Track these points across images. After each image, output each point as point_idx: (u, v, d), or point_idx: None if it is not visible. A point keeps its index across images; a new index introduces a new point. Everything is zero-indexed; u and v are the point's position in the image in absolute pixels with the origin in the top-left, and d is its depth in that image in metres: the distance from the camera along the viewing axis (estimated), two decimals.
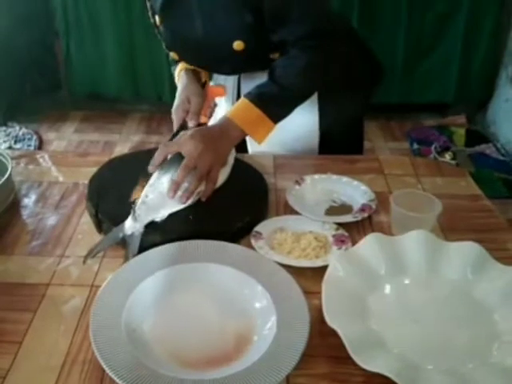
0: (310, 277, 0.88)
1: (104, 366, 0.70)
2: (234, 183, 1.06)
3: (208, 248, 0.91)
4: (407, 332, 0.79)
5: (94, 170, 1.13)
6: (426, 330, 0.80)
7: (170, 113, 1.25)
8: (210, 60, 1.23)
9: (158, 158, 1.01)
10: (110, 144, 3.20)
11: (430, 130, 3.25)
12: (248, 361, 0.72)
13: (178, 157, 1.00)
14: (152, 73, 3.33)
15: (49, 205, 1.09)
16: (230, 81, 1.35)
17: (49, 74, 3.46)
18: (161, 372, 0.70)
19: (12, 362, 0.74)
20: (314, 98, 1.25)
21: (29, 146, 3.11)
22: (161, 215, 0.95)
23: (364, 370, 0.70)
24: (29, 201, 1.11)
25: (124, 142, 3.24)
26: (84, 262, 0.91)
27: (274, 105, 1.08)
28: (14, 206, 1.09)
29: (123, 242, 0.93)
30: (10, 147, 3.05)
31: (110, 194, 1.05)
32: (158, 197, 0.97)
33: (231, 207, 1.02)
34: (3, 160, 1.11)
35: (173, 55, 1.25)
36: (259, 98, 1.07)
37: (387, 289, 0.86)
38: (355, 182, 1.13)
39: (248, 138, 1.26)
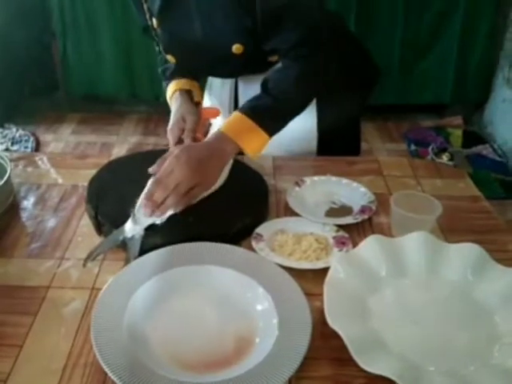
0: (311, 279, 0.88)
1: (105, 369, 0.70)
2: (234, 185, 1.06)
3: (209, 250, 0.91)
4: (408, 333, 0.79)
5: (93, 172, 1.13)
6: (426, 331, 0.80)
7: (167, 114, 1.25)
8: (208, 63, 1.23)
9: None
10: (108, 145, 3.20)
11: (427, 131, 3.26)
12: (250, 363, 0.72)
13: None
14: (149, 73, 3.32)
15: (48, 207, 1.09)
16: (226, 84, 1.35)
17: (46, 75, 3.45)
18: (162, 375, 0.70)
19: (13, 366, 0.74)
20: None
21: (26, 147, 3.10)
22: (160, 218, 0.94)
23: (366, 371, 0.70)
24: (28, 203, 1.10)
25: (121, 143, 3.23)
26: (84, 265, 0.91)
27: (268, 117, 1.06)
28: (13, 208, 1.08)
29: (123, 245, 0.93)
30: (6, 149, 3.04)
31: (110, 195, 1.05)
32: None
33: (232, 209, 1.01)
34: (2, 162, 1.11)
35: (170, 58, 1.24)
36: (252, 110, 1.05)
37: (388, 290, 0.86)
38: (355, 184, 1.13)
39: None
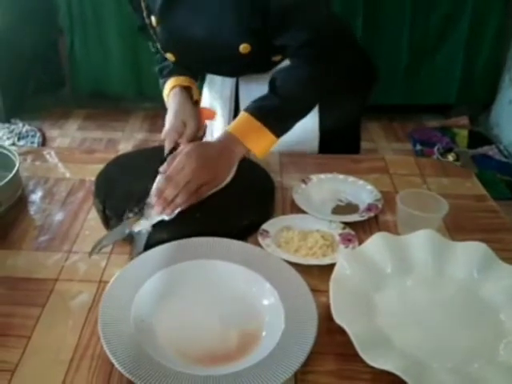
0: (317, 275, 0.88)
1: (113, 361, 0.70)
2: (241, 182, 1.06)
3: (215, 245, 0.91)
4: (413, 330, 0.79)
5: (101, 166, 1.14)
6: (431, 328, 0.80)
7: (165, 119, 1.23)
8: (211, 61, 1.22)
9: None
10: (113, 142, 3.21)
11: (432, 131, 3.26)
12: (256, 358, 0.73)
13: None
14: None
15: (56, 201, 1.10)
16: (227, 82, 1.34)
17: (52, 71, 3.46)
18: (168, 367, 0.70)
19: (20, 357, 0.75)
20: None
21: (32, 142, 3.11)
22: (170, 215, 0.95)
23: (371, 367, 0.70)
24: (36, 197, 1.11)
25: (127, 139, 3.24)
26: (90, 255, 0.91)
27: (276, 118, 1.05)
28: (22, 201, 1.09)
29: (131, 239, 0.94)
30: (13, 144, 3.05)
31: (117, 190, 1.05)
32: None
33: (238, 205, 1.02)
34: (11, 156, 1.11)
35: (169, 56, 1.22)
36: (260, 111, 1.04)
37: (393, 287, 0.86)
38: (361, 182, 1.13)
39: None
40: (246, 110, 1.05)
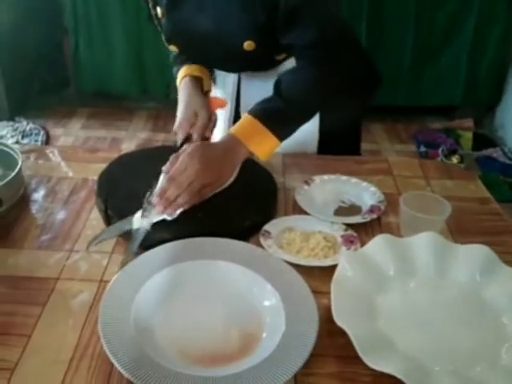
0: (319, 276, 0.88)
1: (113, 361, 0.70)
2: (243, 182, 1.06)
3: (217, 246, 0.91)
4: (415, 333, 0.79)
5: (104, 166, 1.14)
6: (433, 331, 0.80)
7: (176, 110, 1.25)
8: (215, 57, 1.21)
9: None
10: (117, 141, 3.21)
11: (436, 133, 3.25)
12: (256, 359, 0.72)
13: None
14: (160, 70, 3.34)
15: (58, 200, 1.10)
16: (229, 78, 1.33)
17: (57, 71, 3.47)
18: (168, 368, 0.70)
19: (20, 356, 0.75)
20: None
21: (36, 141, 3.12)
22: (171, 215, 0.95)
23: (372, 369, 0.70)
24: (38, 195, 1.11)
25: (130, 139, 3.24)
26: (87, 248, 0.92)
27: (280, 121, 1.04)
28: (24, 200, 1.09)
29: (131, 237, 0.93)
30: (17, 142, 3.06)
31: (120, 189, 1.05)
32: None
33: (240, 206, 1.02)
34: (13, 154, 1.11)
35: (172, 48, 1.22)
36: (264, 114, 1.03)
37: (395, 290, 0.86)
38: (364, 183, 1.13)
39: None
40: (250, 112, 1.04)
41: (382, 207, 1.06)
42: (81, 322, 0.80)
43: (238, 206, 1.02)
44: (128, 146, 3.11)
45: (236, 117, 1.35)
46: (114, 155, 1.20)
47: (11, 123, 3.25)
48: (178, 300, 0.84)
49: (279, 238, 0.97)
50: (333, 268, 0.85)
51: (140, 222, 0.93)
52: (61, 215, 1.05)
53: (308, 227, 1.00)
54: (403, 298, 0.85)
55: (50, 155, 1.26)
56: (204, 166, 0.95)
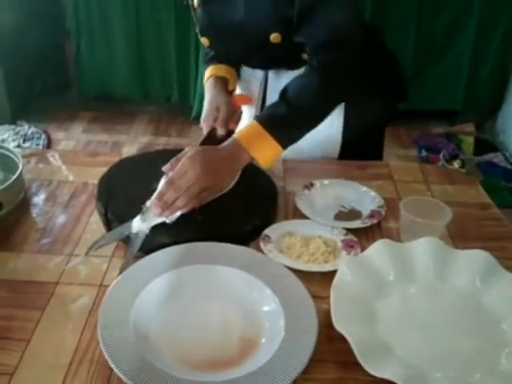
0: (319, 281, 0.88)
1: (112, 365, 0.70)
2: (244, 186, 1.06)
3: (217, 250, 0.91)
4: (415, 339, 0.79)
5: (104, 169, 1.14)
6: (433, 337, 0.79)
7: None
8: (243, 49, 1.22)
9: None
10: (118, 145, 3.22)
11: (438, 138, 3.25)
12: (255, 364, 0.72)
13: None
14: (161, 74, 3.34)
15: (58, 204, 1.10)
16: (256, 78, 1.35)
17: (59, 74, 3.48)
18: (168, 373, 0.70)
19: (20, 360, 0.75)
20: (341, 106, 1.24)
21: (37, 144, 3.12)
22: (170, 218, 0.95)
23: (372, 375, 0.70)
24: (38, 199, 1.11)
25: (132, 142, 3.25)
26: (87, 253, 0.92)
27: (284, 127, 1.04)
28: (24, 204, 1.09)
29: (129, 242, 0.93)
30: (18, 146, 3.06)
31: (120, 193, 1.05)
32: None
33: (241, 210, 1.02)
34: (14, 158, 1.11)
35: (203, 41, 1.23)
36: (268, 120, 1.03)
37: (395, 295, 0.86)
38: (364, 188, 1.13)
39: None
40: (256, 117, 1.05)
41: (383, 212, 1.05)
42: (80, 326, 0.80)
43: (239, 211, 1.02)
44: (129, 149, 3.11)
45: None
46: (115, 159, 1.20)
47: (13, 127, 3.26)
48: (178, 305, 0.83)
49: (279, 243, 0.97)
50: (333, 273, 0.85)
51: (139, 225, 0.93)
52: (61, 219, 1.05)
53: (308, 232, 1.00)
54: (403, 303, 0.85)
55: (51, 159, 1.26)
56: (204, 170, 0.95)
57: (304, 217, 1.04)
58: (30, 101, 3.45)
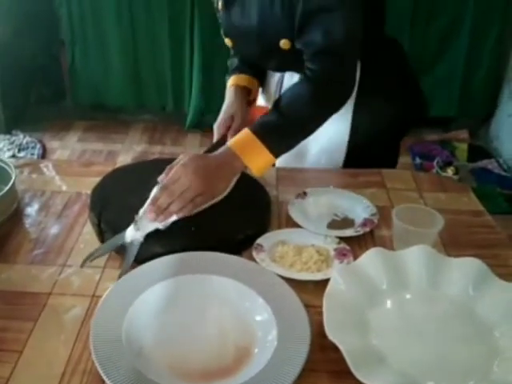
0: (312, 290, 0.88)
1: (104, 377, 0.70)
2: (237, 195, 1.06)
3: (209, 260, 0.91)
4: (408, 347, 0.79)
5: (98, 179, 1.14)
6: (426, 345, 0.79)
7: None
8: (258, 53, 1.24)
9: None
10: (113, 154, 3.22)
11: (432, 145, 3.26)
12: (248, 374, 0.72)
13: None
14: (156, 83, 3.35)
15: (51, 214, 1.10)
16: (273, 77, 1.37)
17: (53, 83, 3.48)
18: None
19: (12, 371, 0.74)
20: (349, 110, 1.25)
21: (32, 154, 3.12)
22: (163, 224, 0.95)
23: None
24: (32, 210, 1.11)
25: (127, 151, 3.25)
26: (82, 266, 0.92)
27: (276, 137, 1.05)
28: (17, 214, 1.09)
29: (124, 252, 0.93)
30: (13, 155, 3.06)
31: (113, 203, 1.05)
32: None
33: (233, 219, 1.02)
34: (7, 169, 1.11)
35: (227, 41, 1.27)
36: (261, 128, 1.04)
37: (388, 304, 0.86)
38: (357, 196, 1.13)
39: None
40: (250, 126, 1.06)
41: (375, 220, 1.06)
42: (73, 337, 0.80)
43: (231, 219, 1.02)
44: (124, 158, 3.11)
45: None
46: (109, 169, 1.20)
47: (8, 136, 3.25)
48: (171, 315, 0.83)
49: (272, 252, 0.97)
50: (326, 282, 0.85)
51: (133, 234, 0.94)
52: (54, 229, 1.05)
53: (301, 240, 1.00)
54: (396, 311, 0.85)
55: (44, 169, 1.26)
56: (197, 176, 0.96)
57: (297, 225, 1.04)
58: (25, 110, 3.45)
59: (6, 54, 3.13)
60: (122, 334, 0.77)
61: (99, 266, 0.94)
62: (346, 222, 1.07)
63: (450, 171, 2.97)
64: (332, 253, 0.97)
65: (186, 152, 1.09)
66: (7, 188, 1.03)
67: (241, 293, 0.85)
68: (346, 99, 1.13)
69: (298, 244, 0.99)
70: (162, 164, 1.05)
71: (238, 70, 1.36)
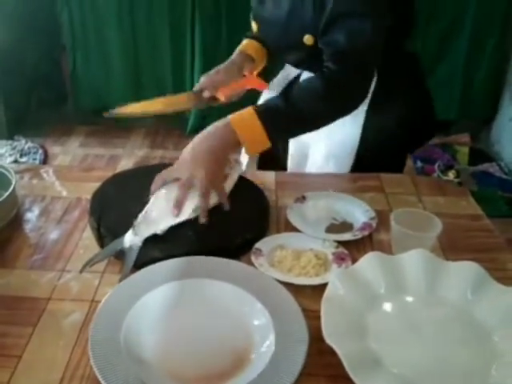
0: (310, 295, 0.88)
1: (102, 382, 0.70)
2: (235, 199, 1.06)
3: (208, 264, 0.91)
4: (406, 351, 0.79)
5: (98, 185, 1.14)
6: (424, 349, 0.79)
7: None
8: (281, 43, 1.25)
9: (155, 185, 1.04)
10: (115, 158, 3.22)
11: (433, 149, 3.25)
12: (246, 378, 0.72)
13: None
14: (157, 88, 3.36)
15: (51, 219, 1.10)
16: (290, 74, 1.38)
17: (55, 88, 3.49)
18: None
19: (11, 376, 0.75)
20: (361, 116, 1.26)
21: (34, 159, 3.13)
22: (161, 228, 0.96)
23: None
24: (32, 215, 1.11)
25: (128, 156, 3.25)
26: (81, 271, 0.93)
27: (277, 122, 1.06)
28: (17, 219, 1.09)
29: (123, 257, 0.94)
30: (15, 161, 3.07)
31: (113, 209, 1.06)
32: (157, 212, 0.99)
33: (232, 223, 1.02)
34: (7, 174, 1.12)
35: (253, 25, 1.30)
36: (265, 110, 1.06)
37: (386, 308, 0.86)
38: (356, 200, 1.13)
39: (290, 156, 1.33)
40: (254, 106, 1.08)
41: (374, 224, 1.06)
42: (72, 342, 0.80)
43: (230, 224, 1.02)
44: (126, 163, 3.12)
45: None
46: (109, 174, 1.21)
47: (10, 142, 3.26)
48: (169, 319, 0.84)
49: (271, 256, 0.97)
50: (324, 286, 0.85)
51: (131, 239, 0.94)
52: (54, 235, 1.05)
53: (299, 245, 1.00)
54: (394, 316, 0.85)
55: (44, 175, 1.27)
56: (198, 165, 1.01)
57: (295, 230, 1.04)
58: (27, 115, 3.46)
59: (8, 59, 3.14)
60: (121, 339, 0.77)
61: (98, 271, 0.94)
62: (345, 226, 1.07)
63: (451, 175, 2.96)
64: (330, 257, 0.98)
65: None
66: (7, 193, 1.04)
67: (239, 297, 0.85)
68: (357, 105, 1.13)
69: (297, 248, 0.99)
70: (161, 169, 1.06)
71: (254, 37, 1.38)
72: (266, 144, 1.06)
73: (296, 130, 1.12)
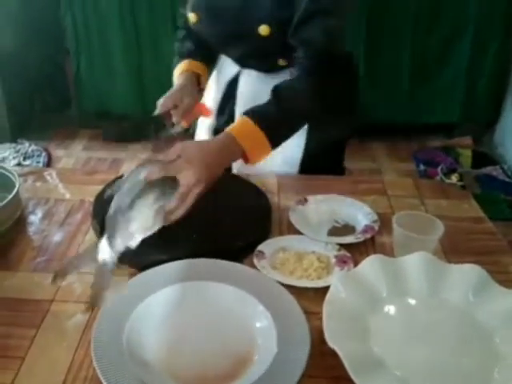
0: (312, 297, 0.88)
1: None
2: (238, 202, 1.07)
3: (210, 267, 0.91)
4: (408, 354, 0.79)
5: (101, 187, 1.15)
6: (426, 351, 0.79)
7: None
8: (229, 34, 1.22)
9: (152, 175, 0.96)
10: (118, 162, 3.23)
11: (436, 152, 3.25)
12: (248, 380, 0.73)
13: (160, 182, 0.95)
14: (160, 91, 3.34)
15: (55, 222, 1.11)
16: (229, 71, 1.36)
17: (59, 92, 3.50)
18: None
19: (14, 378, 0.75)
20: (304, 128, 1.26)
21: (38, 162, 3.13)
22: (134, 242, 0.86)
23: None
24: (35, 217, 1.12)
25: (131, 159, 3.26)
26: (52, 281, 0.83)
27: (277, 129, 1.07)
28: (21, 222, 1.10)
29: (125, 260, 0.92)
30: (19, 164, 3.08)
31: None
32: (139, 224, 0.87)
33: (234, 226, 1.02)
34: (11, 177, 1.12)
35: (191, 17, 1.24)
36: (263, 120, 1.05)
37: (389, 310, 0.86)
38: (358, 203, 1.13)
39: None
40: (251, 117, 1.05)
41: (376, 227, 1.06)
42: (75, 344, 0.81)
43: (232, 227, 1.03)
44: (129, 166, 3.11)
45: (228, 119, 1.37)
46: (112, 177, 1.21)
47: (13, 145, 3.27)
48: (171, 322, 0.84)
49: (273, 259, 0.98)
50: (326, 289, 0.85)
51: (107, 251, 0.83)
52: (57, 237, 1.06)
53: (302, 247, 1.00)
54: (396, 318, 0.85)
55: (48, 177, 1.27)
56: (201, 165, 0.95)
57: (298, 232, 1.05)
58: (31, 119, 3.47)
59: (12, 62, 3.15)
60: (124, 341, 0.77)
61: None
62: (347, 229, 1.07)
63: (454, 178, 2.96)
64: (332, 260, 0.98)
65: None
66: (11, 196, 1.04)
67: (241, 299, 0.85)
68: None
69: (299, 251, 0.99)
70: None
71: (192, 55, 1.33)
72: (268, 153, 1.07)
73: (293, 132, 1.13)
